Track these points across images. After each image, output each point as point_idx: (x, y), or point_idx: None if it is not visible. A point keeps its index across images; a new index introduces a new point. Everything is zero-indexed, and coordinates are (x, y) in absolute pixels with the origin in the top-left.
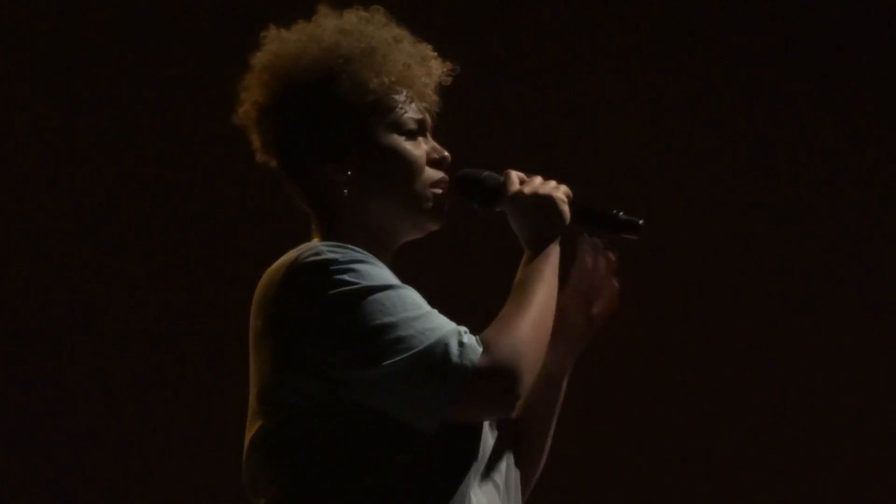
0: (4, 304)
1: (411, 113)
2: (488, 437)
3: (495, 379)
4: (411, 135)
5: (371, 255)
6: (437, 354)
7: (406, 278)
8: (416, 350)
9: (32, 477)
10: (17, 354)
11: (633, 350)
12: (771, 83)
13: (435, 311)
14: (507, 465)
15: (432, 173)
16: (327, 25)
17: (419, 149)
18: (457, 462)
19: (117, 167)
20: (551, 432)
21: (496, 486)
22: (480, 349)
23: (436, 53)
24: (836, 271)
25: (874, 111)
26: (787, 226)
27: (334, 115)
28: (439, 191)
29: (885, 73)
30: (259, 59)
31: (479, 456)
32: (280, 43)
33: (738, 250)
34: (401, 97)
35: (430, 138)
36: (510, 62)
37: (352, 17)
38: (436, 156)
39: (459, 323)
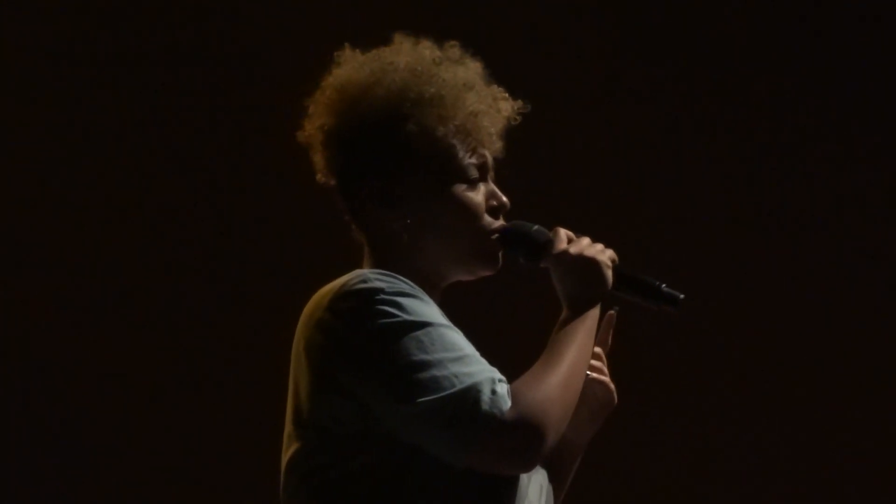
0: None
1: (474, 159)
2: None
3: (520, 432)
4: (472, 182)
5: (420, 290)
6: (468, 400)
7: (452, 317)
8: (448, 392)
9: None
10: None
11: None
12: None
13: (475, 355)
14: (545, 491)
15: (489, 221)
16: (400, 62)
17: (479, 196)
18: (494, 491)
19: (160, 180)
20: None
21: None
22: (510, 402)
23: (506, 94)
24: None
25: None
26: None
27: (397, 159)
28: (496, 235)
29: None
30: (331, 82)
31: (517, 485)
32: (354, 70)
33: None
34: (465, 145)
35: (490, 182)
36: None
37: (425, 55)
38: (494, 203)
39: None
